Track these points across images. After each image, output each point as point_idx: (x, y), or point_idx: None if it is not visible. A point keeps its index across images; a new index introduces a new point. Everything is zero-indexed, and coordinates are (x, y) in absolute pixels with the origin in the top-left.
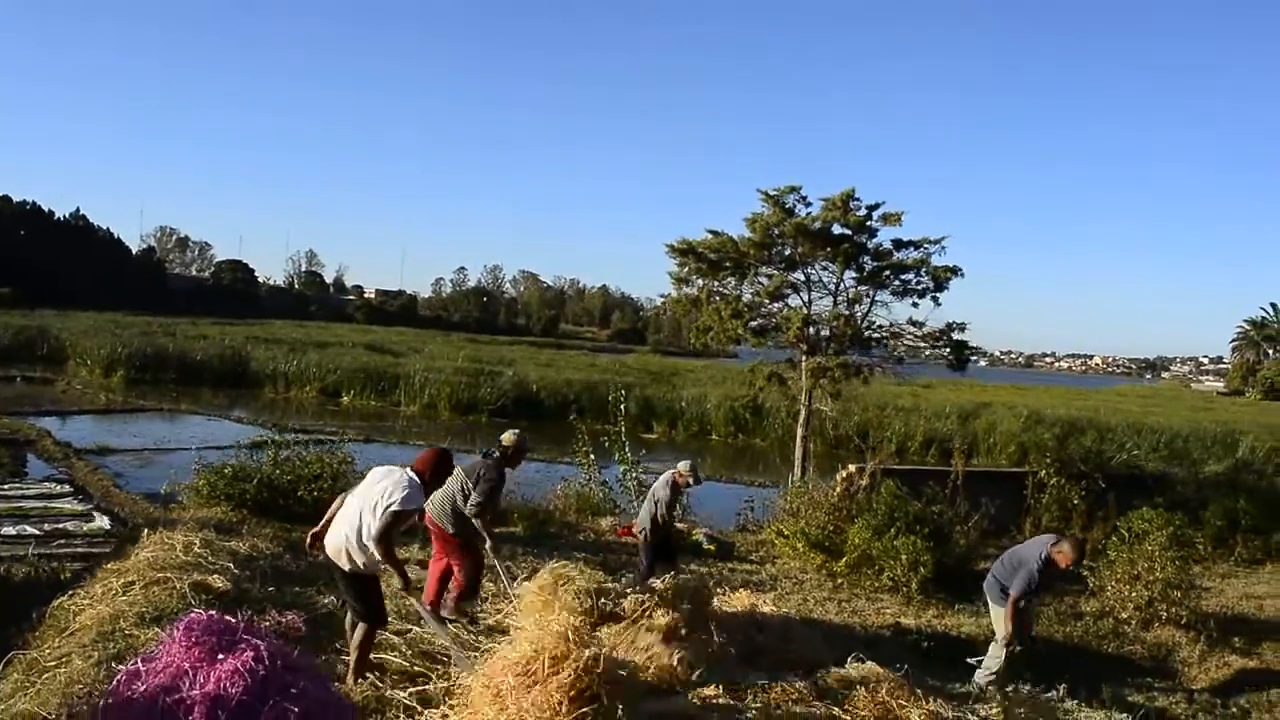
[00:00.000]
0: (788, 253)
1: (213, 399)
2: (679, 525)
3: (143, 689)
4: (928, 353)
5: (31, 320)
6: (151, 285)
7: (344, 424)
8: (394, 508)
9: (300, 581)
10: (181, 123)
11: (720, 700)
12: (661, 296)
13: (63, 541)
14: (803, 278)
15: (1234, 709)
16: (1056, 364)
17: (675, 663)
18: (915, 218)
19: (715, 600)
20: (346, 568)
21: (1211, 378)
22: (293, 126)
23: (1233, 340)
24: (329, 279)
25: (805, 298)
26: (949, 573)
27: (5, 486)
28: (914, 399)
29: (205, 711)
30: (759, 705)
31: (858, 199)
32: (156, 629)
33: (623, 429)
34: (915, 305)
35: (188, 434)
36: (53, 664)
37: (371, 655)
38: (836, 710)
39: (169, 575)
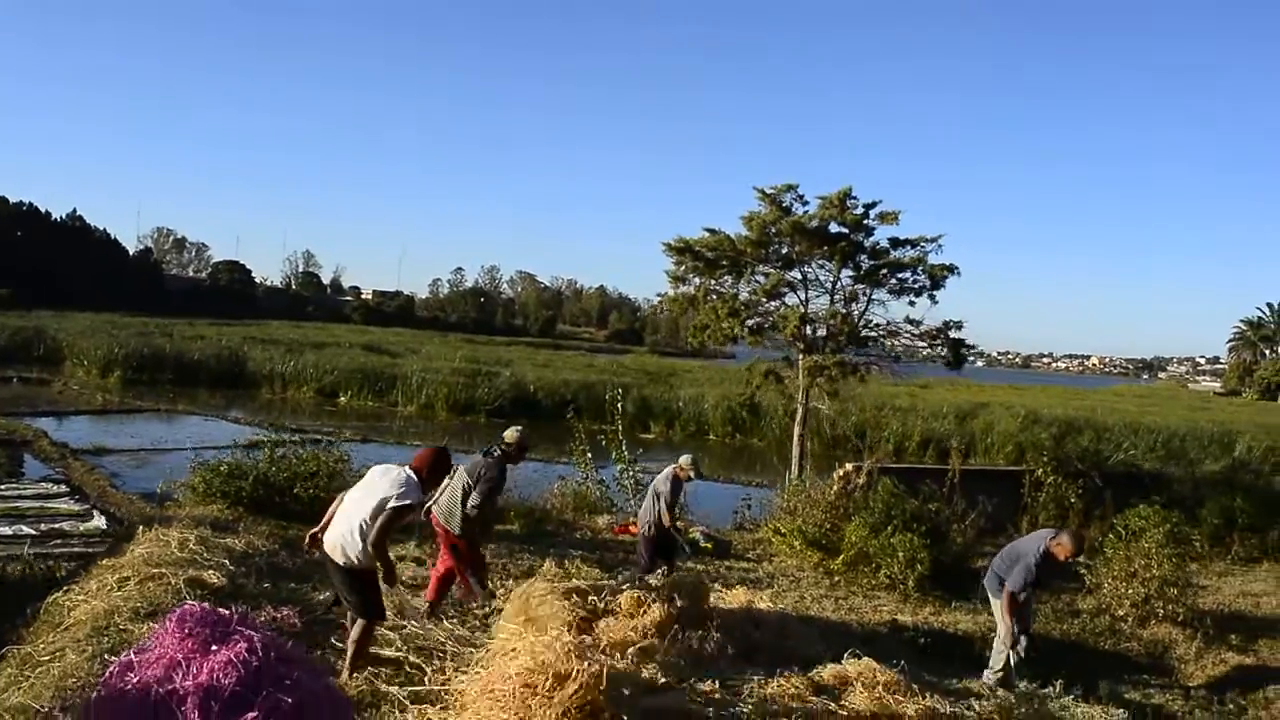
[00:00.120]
0: (785, 251)
1: (209, 399)
2: (678, 523)
3: (135, 680)
4: (925, 351)
5: (28, 321)
6: (148, 286)
7: (341, 424)
8: (392, 504)
9: (296, 578)
10: (179, 123)
11: (717, 696)
12: (659, 295)
13: (59, 541)
14: (799, 276)
15: (1230, 705)
16: (1054, 364)
17: (672, 658)
18: (913, 217)
19: (712, 597)
20: (342, 563)
21: (1208, 378)
22: (290, 127)
23: (1229, 340)
24: (326, 280)
25: (802, 296)
26: (946, 571)
27: (2, 487)
28: (911, 399)
29: (198, 702)
30: (755, 701)
31: (854, 197)
32: (151, 624)
33: (619, 428)
34: (912, 304)
35: (184, 434)
36: (46, 658)
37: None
38: (833, 706)
39: (164, 571)
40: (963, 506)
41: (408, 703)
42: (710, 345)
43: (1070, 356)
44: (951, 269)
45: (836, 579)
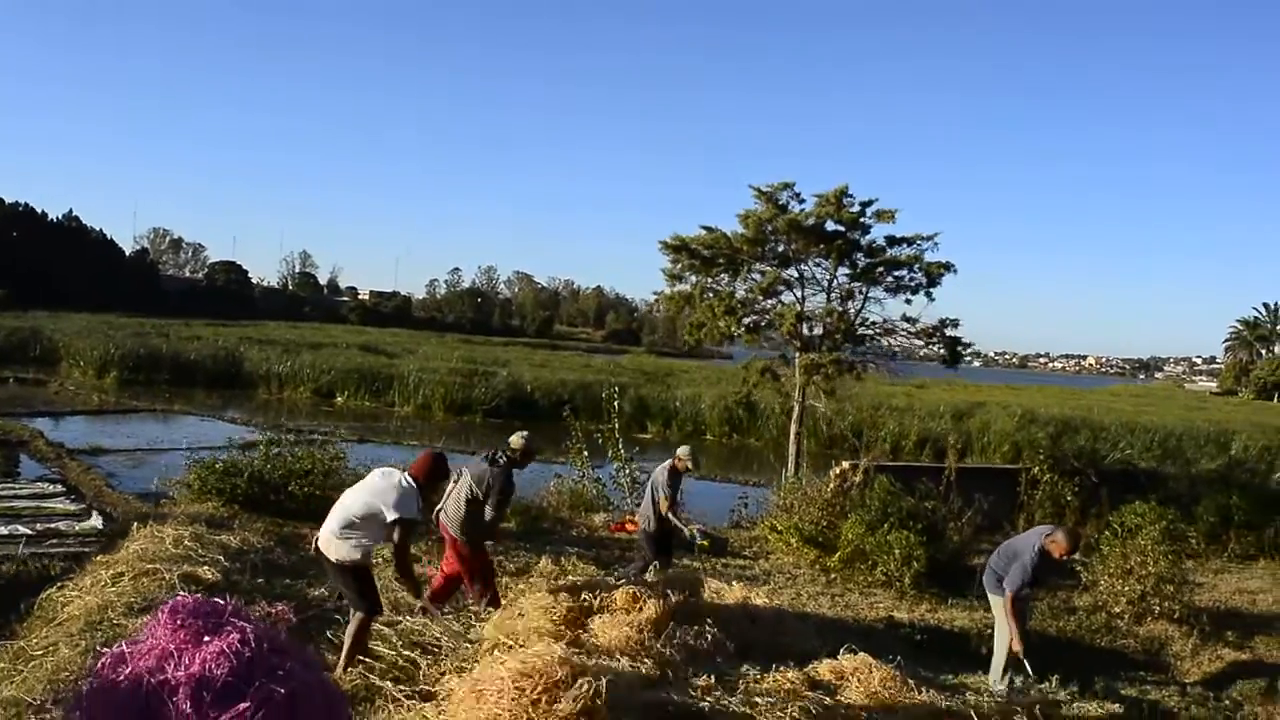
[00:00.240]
0: (781, 249)
1: (206, 400)
2: (678, 515)
3: (128, 671)
4: (922, 349)
5: (24, 321)
6: (145, 287)
7: (338, 424)
8: (394, 517)
9: (291, 574)
10: (176, 124)
11: (713, 691)
12: (655, 294)
13: (55, 541)
14: (796, 274)
15: (1226, 702)
16: (1050, 364)
17: (668, 654)
18: (910, 217)
19: (708, 594)
20: (333, 559)
21: (1205, 378)
22: (287, 127)
23: (1226, 340)
24: (323, 280)
25: (799, 294)
26: (942, 568)
27: None
28: (908, 399)
29: (190, 693)
30: (751, 696)
31: (851, 195)
32: (145, 619)
33: (616, 426)
34: (908, 302)
35: (181, 434)
36: (40, 653)
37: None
38: (829, 700)
39: (158, 567)
40: (959, 504)
41: (402, 698)
42: (706, 343)
43: (1067, 356)
44: (948, 267)
45: (833, 576)
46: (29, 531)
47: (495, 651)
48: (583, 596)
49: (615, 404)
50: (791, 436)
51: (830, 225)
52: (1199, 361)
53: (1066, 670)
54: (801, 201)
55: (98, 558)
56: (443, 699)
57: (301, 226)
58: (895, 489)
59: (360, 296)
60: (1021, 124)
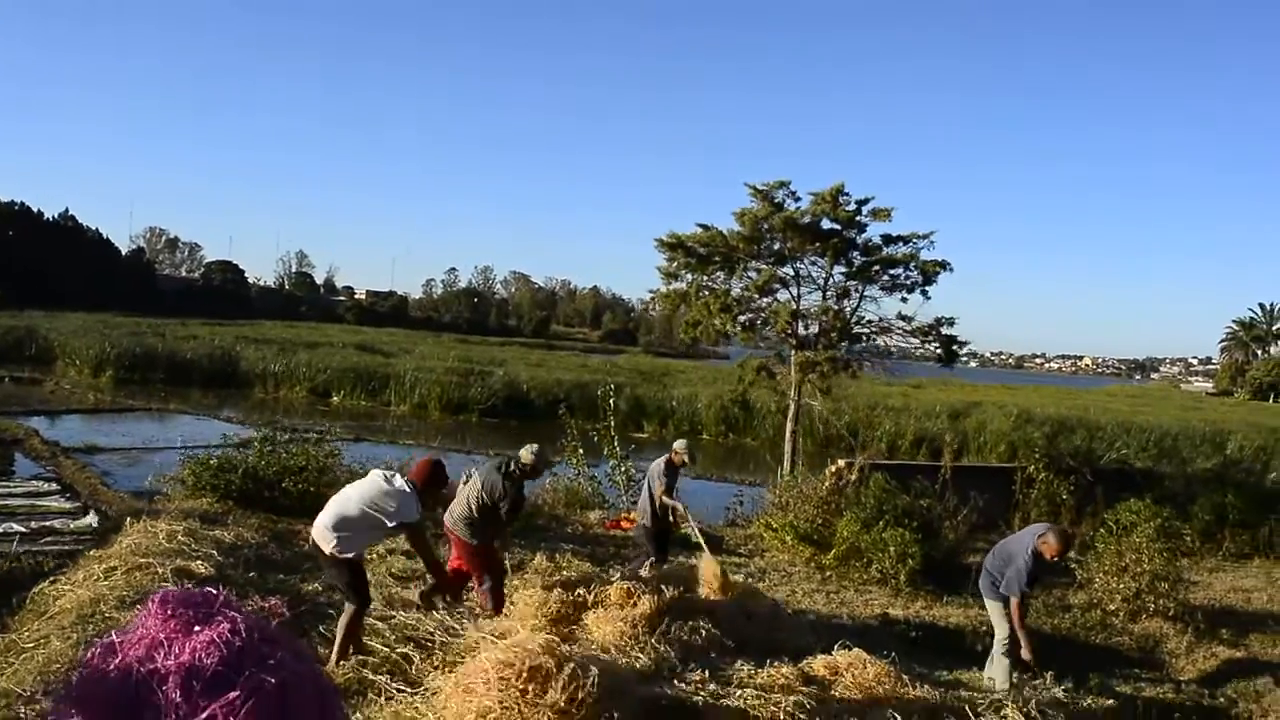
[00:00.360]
0: (777, 247)
1: (202, 399)
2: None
3: (117, 661)
4: (917, 348)
5: (20, 320)
6: (141, 286)
7: (334, 424)
8: (395, 524)
9: (284, 569)
10: (173, 124)
11: (708, 685)
12: (651, 291)
13: (50, 539)
14: (792, 272)
15: (1221, 699)
16: (1046, 365)
17: (662, 649)
18: (907, 217)
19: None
20: (327, 550)
21: (1200, 378)
22: (285, 127)
23: (1222, 341)
24: (319, 280)
25: (794, 292)
26: (937, 566)
27: None
28: (904, 399)
29: (179, 682)
30: (746, 690)
31: (847, 194)
32: (137, 611)
33: (611, 423)
34: (904, 300)
35: (176, 433)
36: (31, 645)
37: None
38: (823, 695)
39: (151, 561)
40: (954, 502)
41: (394, 691)
42: (702, 341)
43: (1063, 357)
44: (943, 265)
45: (828, 574)
46: (23, 529)
47: (480, 647)
48: (577, 592)
49: (611, 401)
50: (787, 435)
51: (826, 223)
52: (1195, 362)
53: (1061, 667)
54: (797, 200)
55: (90, 552)
56: (431, 694)
57: (298, 226)
58: (890, 487)
59: (357, 296)
60: (1019, 124)
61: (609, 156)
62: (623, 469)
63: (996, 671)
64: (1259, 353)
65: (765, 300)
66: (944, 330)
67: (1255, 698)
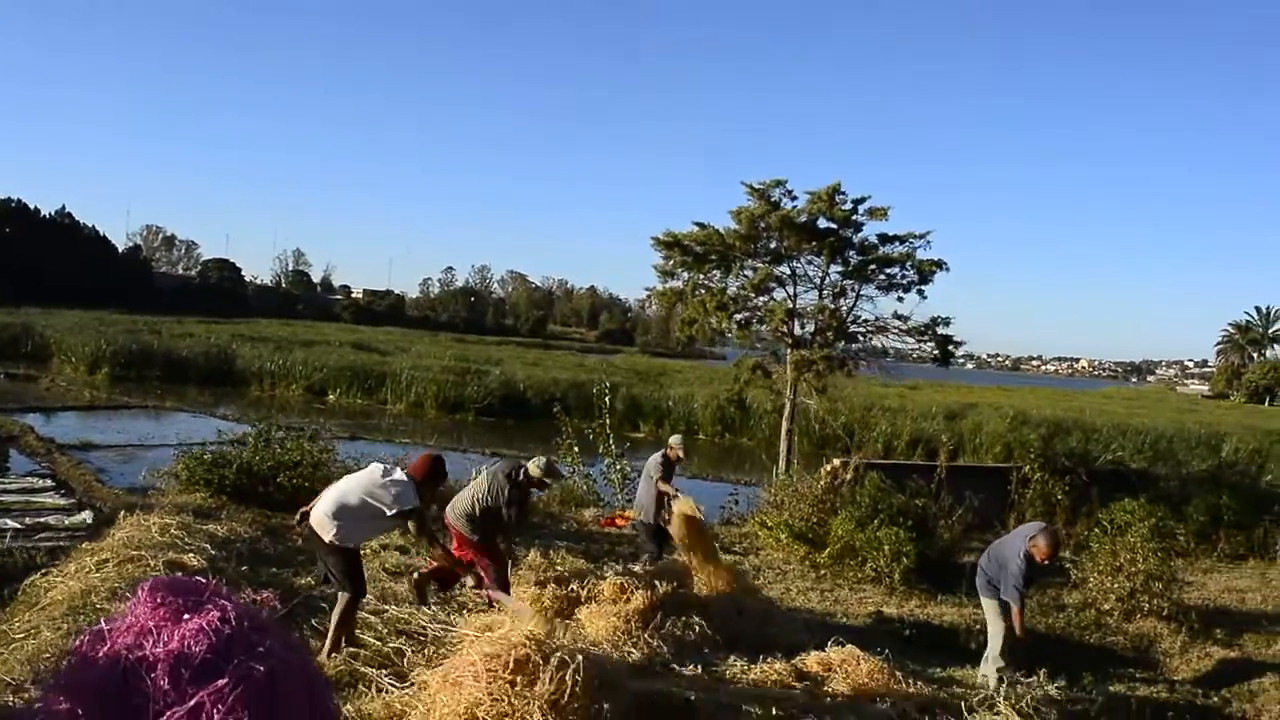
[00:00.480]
0: (773, 246)
1: (198, 397)
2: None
3: (105, 649)
4: (913, 348)
5: (16, 318)
6: (137, 284)
7: (330, 421)
8: (394, 512)
9: (277, 563)
10: (171, 123)
11: (702, 680)
12: (647, 289)
13: (45, 535)
14: (788, 271)
15: (1215, 699)
16: (1043, 367)
17: (654, 644)
18: (904, 219)
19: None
20: (326, 539)
21: (1197, 381)
22: (281, 127)
23: (1218, 344)
24: (316, 279)
25: (790, 291)
26: (932, 565)
27: None
28: (900, 400)
29: (168, 669)
30: (740, 685)
31: (843, 193)
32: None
33: (607, 421)
34: (900, 299)
35: (172, 431)
36: (21, 636)
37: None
38: (816, 690)
39: (143, 554)
40: (949, 502)
41: (386, 683)
42: (698, 340)
43: (1059, 359)
44: (940, 264)
45: (822, 572)
46: (17, 526)
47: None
48: (570, 588)
49: (606, 399)
50: (783, 434)
51: (823, 222)
52: (1191, 365)
53: (1056, 666)
54: (794, 198)
55: (83, 545)
56: (420, 687)
57: (295, 225)
58: (885, 486)
59: (354, 295)
60: (1017, 126)
61: (607, 156)
62: (618, 467)
63: (990, 669)
64: (1255, 356)
65: (761, 299)
66: (940, 330)
67: (1249, 697)
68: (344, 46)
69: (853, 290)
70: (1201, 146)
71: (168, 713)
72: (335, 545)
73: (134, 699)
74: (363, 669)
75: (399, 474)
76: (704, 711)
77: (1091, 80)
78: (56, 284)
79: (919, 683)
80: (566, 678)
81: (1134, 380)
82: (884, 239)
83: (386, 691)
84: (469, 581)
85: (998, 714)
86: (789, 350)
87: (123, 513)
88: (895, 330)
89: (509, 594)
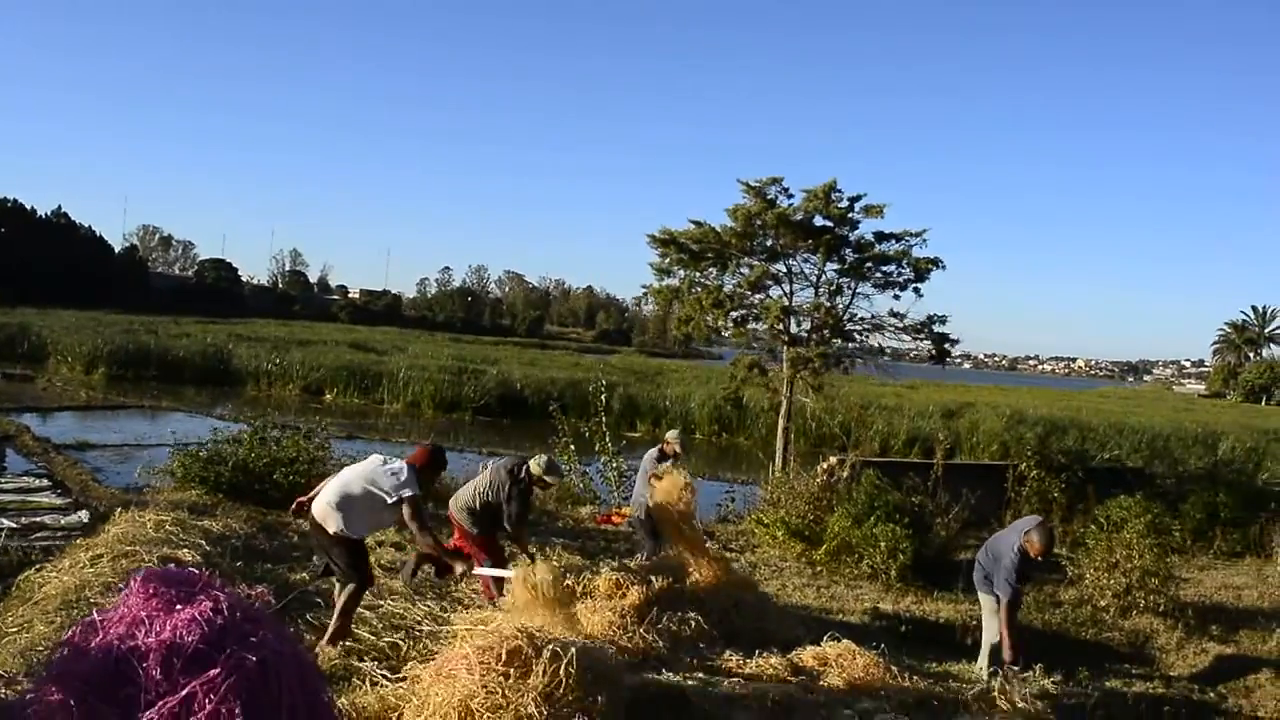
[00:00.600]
0: (769, 244)
1: (195, 396)
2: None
3: (98, 639)
4: (910, 347)
5: (12, 318)
6: (134, 284)
7: (327, 421)
8: (395, 499)
9: (272, 559)
10: (168, 123)
11: (697, 674)
12: (644, 287)
13: (41, 535)
14: (784, 269)
15: (1211, 695)
16: (1040, 367)
17: (650, 638)
18: (900, 220)
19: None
20: (331, 531)
21: (1193, 381)
22: (278, 127)
23: (1214, 344)
24: (313, 279)
25: (786, 289)
26: (929, 562)
27: None
28: (897, 399)
29: (160, 659)
30: (736, 679)
31: (839, 191)
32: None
33: (603, 419)
34: (897, 297)
35: (168, 430)
36: (14, 630)
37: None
38: (812, 685)
39: (137, 549)
40: (946, 500)
41: (380, 677)
42: (695, 337)
43: (1056, 359)
44: (936, 262)
45: (819, 569)
46: (13, 525)
47: (461, 634)
48: (566, 583)
49: (602, 397)
50: (779, 432)
51: (819, 220)
52: (1187, 365)
53: (1052, 663)
54: (790, 196)
55: (77, 541)
56: (414, 680)
57: (292, 225)
58: (882, 484)
59: (350, 295)
60: (1013, 126)
61: (605, 157)
62: (614, 465)
63: (985, 661)
64: (1251, 355)
65: (758, 297)
66: (936, 328)
67: (1245, 693)
68: (341, 47)
69: (849, 288)
70: (1199, 146)
71: (160, 703)
72: (340, 536)
73: (126, 689)
74: (357, 663)
75: (398, 464)
76: (699, 704)
77: (1089, 80)
78: (53, 284)
79: (915, 677)
80: (560, 670)
81: (1130, 380)
82: (880, 237)
83: (380, 685)
84: (458, 569)
85: (994, 708)
86: (785, 348)
87: (118, 509)
88: (891, 328)
89: (502, 588)
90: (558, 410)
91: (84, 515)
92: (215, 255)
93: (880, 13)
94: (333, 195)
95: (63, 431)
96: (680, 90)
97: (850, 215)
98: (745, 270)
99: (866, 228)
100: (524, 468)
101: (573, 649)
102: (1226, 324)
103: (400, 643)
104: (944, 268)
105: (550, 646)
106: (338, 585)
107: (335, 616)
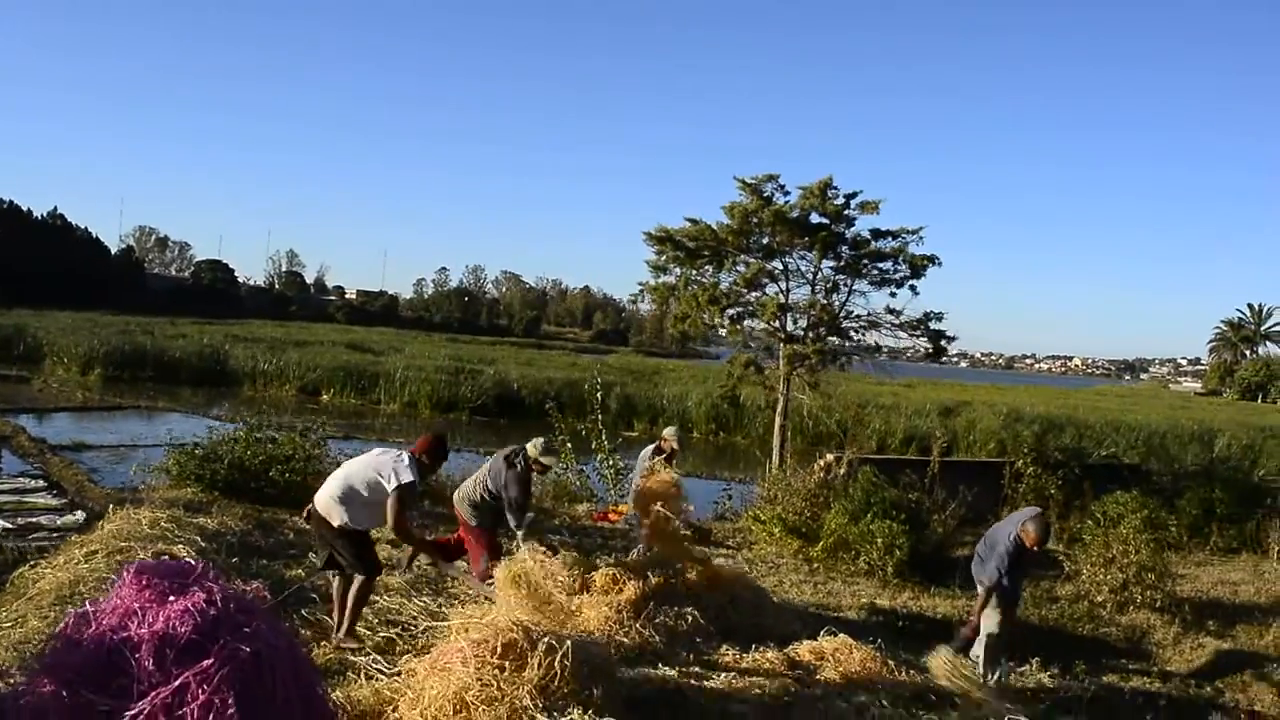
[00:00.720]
0: (765, 241)
1: (191, 397)
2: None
3: (90, 630)
4: (906, 345)
5: (8, 319)
6: (130, 285)
7: (323, 421)
8: (395, 483)
9: (267, 555)
10: (165, 123)
11: (694, 668)
12: (640, 284)
13: (37, 535)
14: (780, 267)
15: (1208, 689)
16: (1036, 365)
17: (647, 633)
18: (896, 219)
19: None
20: (335, 524)
21: (1189, 379)
22: (275, 128)
23: (1210, 342)
24: (309, 279)
25: (783, 286)
26: (925, 559)
27: None
28: (894, 398)
29: (152, 650)
30: (732, 674)
31: (835, 188)
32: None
33: (599, 417)
34: (893, 295)
35: (164, 431)
36: (9, 625)
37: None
38: (808, 679)
39: (132, 545)
40: (943, 496)
41: (374, 670)
42: (691, 334)
43: (1053, 358)
44: (932, 259)
45: (815, 565)
46: (9, 525)
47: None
48: (564, 578)
49: (598, 395)
50: (776, 429)
51: (815, 217)
52: (1184, 363)
53: (1049, 657)
54: (786, 194)
55: (73, 538)
56: (409, 674)
57: (288, 225)
58: (879, 480)
59: (347, 296)
60: (1010, 126)
61: (603, 157)
62: (611, 462)
63: (980, 650)
64: (1247, 353)
65: (754, 294)
66: (932, 325)
67: (1242, 688)
68: (341, 47)
69: (845, 285)
70: (1198, 146)
71: (153, 693)
72: (344, 529)
73: (119, 679)
74: (352, 657)
75: (400, 453)
76: (695, 699)
77: (1089, 80)
78: (48, 286)
79: (911, 671)
80: (555, 663)
81: (1127, 378)
82: (876, 234)
83: (375, 678)
84: (422, 560)
85: (988, 701)
86: (781, 345)
87: (111, 506)
88: (888, 325)
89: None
90: (554, 410)
91: (80, 516)
92: (212, 256)
93: (880, 13)
94: (331, 195)
95: (59, 432)
96: (680, 90)
97: (846, 212)
98: (741, 268)
99: (863, 225)
100: (520, 453)
101: (568, 642)
102: (1223, 322)
103: (395, 638)
104: (940, 265)
105: (545, 640)
106: (338, 580)
107: (350, 608)
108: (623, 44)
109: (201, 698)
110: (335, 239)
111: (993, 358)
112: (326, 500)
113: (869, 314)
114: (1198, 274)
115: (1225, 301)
